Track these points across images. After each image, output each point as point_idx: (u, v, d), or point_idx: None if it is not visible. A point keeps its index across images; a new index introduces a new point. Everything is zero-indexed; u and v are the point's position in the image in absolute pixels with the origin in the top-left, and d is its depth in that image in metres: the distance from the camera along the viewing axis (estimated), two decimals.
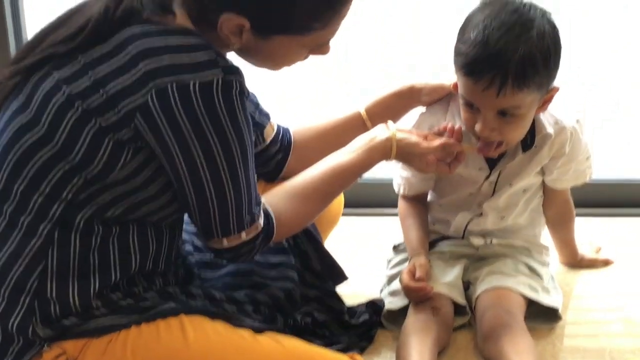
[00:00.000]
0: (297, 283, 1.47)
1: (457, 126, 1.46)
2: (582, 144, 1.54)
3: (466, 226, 1.62)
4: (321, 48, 1.31)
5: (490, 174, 1.54)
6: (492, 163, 1.54)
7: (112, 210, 1.22)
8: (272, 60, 1.31)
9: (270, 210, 1.32)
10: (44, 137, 1.20)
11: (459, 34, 1.41)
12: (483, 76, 1.34)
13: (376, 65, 2.95)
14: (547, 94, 1.42)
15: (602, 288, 1.73)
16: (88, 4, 1.25)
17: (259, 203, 1.29)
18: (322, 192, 1.39)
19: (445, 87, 1.54)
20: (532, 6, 1.39)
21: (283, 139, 1.57)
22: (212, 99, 1.17)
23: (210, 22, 1.23)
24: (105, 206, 1.21)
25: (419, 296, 1.51)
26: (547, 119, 1.50)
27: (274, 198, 1.35)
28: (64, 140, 1.19)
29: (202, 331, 1.24)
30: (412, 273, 1.53)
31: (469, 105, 1.41)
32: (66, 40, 1.22)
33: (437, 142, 1.45)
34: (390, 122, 1.45)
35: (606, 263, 1.81)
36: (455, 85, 1.46)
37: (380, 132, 1.43)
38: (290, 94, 2.70)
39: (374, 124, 1.54)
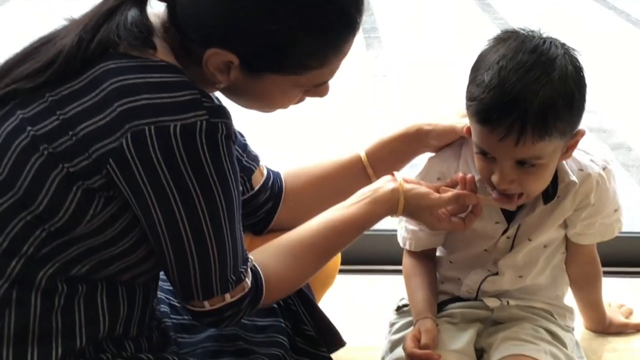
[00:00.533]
0: (287, 350, 1.39)
1: (469, 175, 1.40)
2: (609, 194, 1.48)
3: (480, 286, 1.54)
4: (318, 89, 1.26)
5: (508, 228, 1.48)
6: (509, 216, 1.47)
7: (78, 267, 1.16)
8: (262, 101, 1.26)
9: (259, 269, 1.27)
10: (3, 183, 1.14)
11: (471, 75, 1.34)
12: (499, 125, 1.28)
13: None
14: (571, 139, 1.35)
15: (634, 357, 1.67)
16: (59, 34, 1.20)
17: (246, 261, 1.24)
18: (319, 249, 1.34)
19: (457, 131, 1.47)
20: (552, 43, 1.32)
21: (273, 186, 1.52)
22: (194, 144, 1.11)
23: (194, 58, 1.18)
24: (71, 262, 1.15)
25: None
26: (571, 165, 1.44)
27: (264, 255, 1.30)
28: (26, 187, 1.13)
29: None
30: (417, 339, 1.45)
31: (484, 154, 1.35)
32: (33, 74, 1.17)
33: (450, 193, 1.39)
34: (396, 173, 1.40)
35: (638, 328, 1.75)
36: (468, 130, 1.40)
37: (385, 183, 1.39)
38: (282, 130, 2.70)
39: (375, 170, 1.50)
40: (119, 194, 1.13)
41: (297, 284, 1.36)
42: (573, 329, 1.60)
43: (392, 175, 1.40)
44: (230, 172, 1.16)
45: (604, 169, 1.46)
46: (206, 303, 1.20)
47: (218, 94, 1.26)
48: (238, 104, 1.27)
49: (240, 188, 1.24)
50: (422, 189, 1.40)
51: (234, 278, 1.20)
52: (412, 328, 1.51)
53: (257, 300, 1.26)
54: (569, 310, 1.60)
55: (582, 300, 1.67)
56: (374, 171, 1.50)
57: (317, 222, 1.35)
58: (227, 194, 1.16)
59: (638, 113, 3.70)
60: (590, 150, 1.46)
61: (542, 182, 1.38)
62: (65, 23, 1.22)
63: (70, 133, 1.12)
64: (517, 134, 1.27)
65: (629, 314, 1.78)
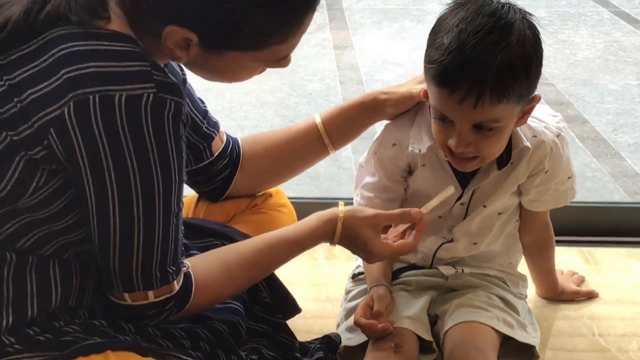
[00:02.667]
0: (242, 316, 1.40)
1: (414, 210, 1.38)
2: (563, 160, 1.50)
3: (435, 253, 1.57)
4: (280, 62, 1.24)
5: (462, 194, 1.49)
6: (464, 182, 1.49)
7: (24, 240, 1.15)
8: (224, 75, 1.25)
9: (192, 275, 1.24)
10: None
11: (430, 38, 1.35)
12: (459, 87, 1.29)
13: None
14: (527, 104, 1.37)
15: (585, 324, 1.69)
16: (8, 2, 1.16)
17: (178, 262, 1.21)
18: (257, 267, 1.34)
19: (414, 96, 1.48)
20: (511, 7, 1.34)
21: (232, 152, 1.52)
22: (138, 116, 1.08)
23: (152, 30, 1.15)
24: (16, 235, 1.14)
25: (374, 333, 1.44)
26: (525, 132, 1.46)
27: (203, 264, 1.27)
28: None
29: None
30: (370, 306, 1.47)
31: (442, 118, 1.36)
32: None
33: (394, 210, 1.39)
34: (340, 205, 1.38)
35: (590, 296, 1.78)
36: (425, 93, 1.41)
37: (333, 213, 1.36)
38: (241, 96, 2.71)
39: (331, 138, 1.52)
40: (63, 168, 1.11)
41: (224, 297, 1.34)
42: (526, 297, 1.63)
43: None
44: (174, 154, 1.12)
45: (557, 136, 1.47)
46: (126, 296, 1.18)
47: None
48: (201, 77, 1.26)
49: (184, 178, 1.20)
50: (362, 207, 1.38)
51: (159, 275, 1.17)
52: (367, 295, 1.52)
53: (183, 305, 1.23)
54: (522, 278, 1.63)
55: (535, 268, 1.69)
56: (329, 139, 1.52)
57: (262, 240, 1.34)
58: (166, 177, 1.12)
59: (593, 86, 3.76)
60: (545, 119, 1.48)
61: (497, 146, 1.38)
62: None
63: (16, 100, 1.09)
64: (475, 96, 1.28)
65: (581, 281, 1.80)
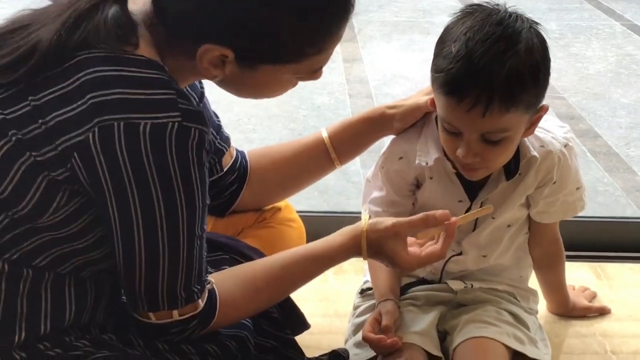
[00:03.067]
0: (251, 331, 1.39)
1: (453, 219, 1.37)
2: (571, 171, 1.50)
3: (444, 267, 1.56)
4: (314, 74, 1.25)
5: (470, 206, 1.50)
6: (472, 194, 1.49)
7: (41, 258, 1.15)
8: (258, 91, 1.26)
9: (217, 291, 1.25)
10: None
11: (437, 47, 1.36)
12: (467, 95, 1.30)
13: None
14: (535, 114, 1.38)
15: (597, 341, 1.68)
16: (31, 24, 1.17)
17: (202, 280, 1.21)
18: (284, 283, 1.34)
19: (421, 107, 1.49)
20: (518, 17, 1.34)
21: (240, 167, 1.52)
22: (162, 146, 1.09)
23: (183, 52, 1.16)
24: (34, 252, 1.15)
25: (383, 348, 1.44)
26: (532, 142, 1.46)
27: (228, 280, 1.28)
28: None
29: None
30: (378, 322, 1.46)
31: (450, 129, 1.36)
32: (4, 68, 1.13)
33: (415, 216, 1.36)
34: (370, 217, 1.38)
35: (601, 312, 1.77)
36: (432, 102, 1.41)
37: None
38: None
39: (338, 152, 1.52)
40: (84, 190, 1.12)
41: (252, 313, 1.34)
42: (537, 312, 1.62)
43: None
44: (198, 182, 1.13)
45: (565, 146, 1.47)
46: (151, 315, 1.19)
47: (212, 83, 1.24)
48: (233, 94, 1.26)
49: (208, 201, 1.21)
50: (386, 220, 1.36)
51: (183, 295, 1.18)
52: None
53: (207, 322, 1.24)
54: (533, 293, 1.62)
55: (545, 282, 1.68)
56: (336, 153, 1.52)
57: (288, 256, 1.33)
58: (190, 204, 1.13)
59: (605, 99, 3.76)
60: (552, 129, 1.48)
61: (505, 156, 1.39)
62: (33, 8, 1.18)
63: (41, 121, 1.10)
64: (484, 105, 1.29)
65: (592, 297, 1.79)
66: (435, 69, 1.34)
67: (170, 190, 1.11)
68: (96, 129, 1.08)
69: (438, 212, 1.35)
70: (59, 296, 1.17)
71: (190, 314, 1.20)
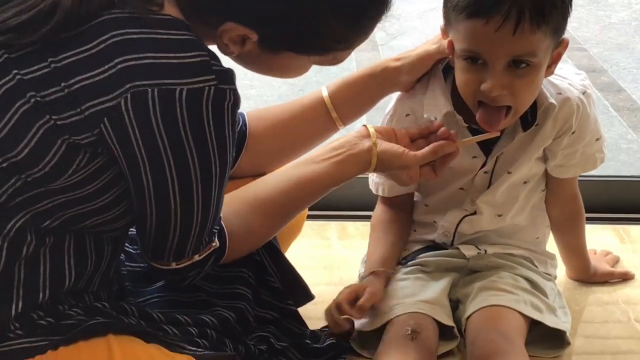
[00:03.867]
0: (250, 301, 1.40)
1: (452, 132, 1.41)
2: (590, 120, 1.50)
3: (456, 228, 1.56)
4: (333, 62, 1.27)
5: (486, 161, 1.50)
6: (487, 149, 1.49)
7: (51, 220, 1.16)
8: (273, 72, 1.29)
9: (224, 225, 1.29)
10: None
11: None
12: (496, 12, 1.29)
13: None
14: (557, 47, 1.37)
15: (620, 309, 1.67)
16: None
17: (219, 220, 1.27)
18: (285, 207, 1.38)
19: (432, 55, 1.47)
20: None
21: (240, 131, 1.51)
22: (199, 111, 1.11)
23: (207, 22, 1.17)
24: (45, 214, 1.15)
25: (339, 328, 1.46)
26: (549, 90, 1.45)
27: (229, 209, 1.31)
28: (6, 133, 1.11)
29: (133, 356, 1.18)
30: (357, 295, 1.45)
31: (473, 60, 1.35)
32: (23, 28, 1.12)
33: (425, 150, 1.40)
34: (369, 127, 1.41)
35: (625, 277, 1.76)
36: (450, 44, 1.39)
37: (359, 141, 1.40)
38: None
39: (340, 113, 1.51)
40: (107, 152, 1.13)
41: (260, 241, 1.39)
42: (555, 278, 1.63)
43: (366, 129, 1.41)
44: (231, 139, 1.17)
45: (583, 93, 1.47)
46: (173, 263, 1.24)
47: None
48: (244, 67, 1.26)
49: (234, 154, 1.25)
50: (397, 148, 1.39)
51: (206, 240, 1.24)
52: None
53: (220, 257, 1.29)
54: (550, 257, 1.63)
55: (564, 245, 1.68)
56: (338, 115, 1.51)
57: (285, 178, 1.37)
58: (223, 163, 1.17)
59: (629, 50, 3.72)
60: (568, 76, 1.49)
61: (532, 92, 1.38)
62: None
63: (63, 84, 1.10)
64: (515, 21, 1.28)
65: (615, 262, 1.79)
66: None
67: (206, 152, 1.15)
68: (128, 95, 1.09)
69: (445, 142, 1.39)
70: (58, 260, 1.18)
71: (207, 253, 1.26)
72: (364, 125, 1.42)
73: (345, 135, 1.42)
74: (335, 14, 1.18)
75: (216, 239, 1.26)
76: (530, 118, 1.45)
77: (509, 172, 1.51)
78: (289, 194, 1.37)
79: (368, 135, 1.40)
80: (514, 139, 1.47)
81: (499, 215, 1.55)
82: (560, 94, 1.46)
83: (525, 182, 1.54)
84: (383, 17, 1.23)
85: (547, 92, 1.44)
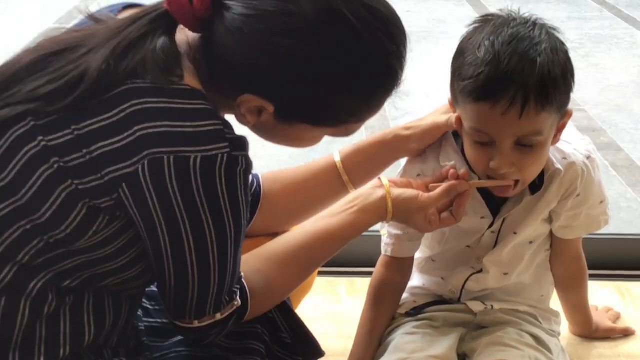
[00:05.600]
0: (264, 357, 1.40)
1: (462, 170, 1.42)
2: (594, 183, 1.51)
3: (464, 285, 1.57)
4: (345, 133, 1.28)
5: (493, 222, 1.50)
6: (495, 210, 1.50)
7: (72, 279, 1.17)
8: (288, 142, 1.29)
9: (245, 283, 1.29)
10: (6, 189, 1.14)
11: (457, 60, 1.37)
12: (501, 98, 1.30)
13: None
14: (561, 119, 1.39)
15: None
16: (78, 46, 1.18)
17: (239, 279, 1.27)
18: (304, 261, 1.38)
19: (440, 127, 1.49)
20: (533, 20, 1.37)
21: (254, 193, 1.53)
22: (213, 177, 1.13)
23: (221, 90, 1.19)
24: (66, 274, 1.17)
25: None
26: (555, 155, 1.47)
27: (250, 267, 1.32)
28: (31, 196, 1.13)
29: None
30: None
31: (481, 140, 1.37)
32: (51, 97, 1.14)
33: (439, 189, 1.42)
34: (382, 177, 1.43)
35: (626, 333, 1.78)
36: (458, 120, 1.41)
37: (373, 190, 1.42)
38: None
39: (351, 177, 1.53)
40: (125, 214, 1.15)
41: (281, 297, 1.39)
42: (559, 334, 1.62)
43: (379, 180, 1.42)
44: (244, 203, 1.18)
45: (587, 158, 1.48)
46: (195, 322, 1.24)
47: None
48: (261, 137, 1.28)
49: (248, 215, 1.26)
50: (411, 192, 1.42)
51: (227, 299, 1.24)
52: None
53: (243, 315, 1.29)
54: (555, 314, 1.63)
55: (568, 302, 1.69)
56: (349, 178, 1.52)
57: (302, 233, 1.38)
58: (237, 224, 1.18)
59: (627, 112, 3.75)
60: (573, 141, 1.49)
61: (538, 164, 1.40)
62: (77, 22, 1.20)
63: (85, 151, 1.12)
64: (521, 105, 1.29)
65: (616, 318, 1.80)
66: (462, 77, 1.34)
67: (220, 216, 1.16)
68: (146, 162, 1.11)
69: (457, 181, 1.41)
70: (78, 318, 1.19)
71: (229, 312, 1.26)
72: (378, 178, 1.44)
73: (361, 188, 1.45)
74: (350, 91, 1.20)
75: (238, 298, 1.26)
76: (538, 182, 1.46)
77: (515, 233, 1.51)
78: (308, 248, 1.37)
79: (380, 185, 1.42)
80: (522, 202, 1.48)
81: (505, 274, 1.56)
82: (566, 158, 1.46)
83: (530, 242, 1.54)
84: (393, 92, 1.25)
85: (554, 157, 1.45)
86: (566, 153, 1.47)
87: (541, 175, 1.45)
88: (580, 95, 3.79)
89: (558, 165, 1.45)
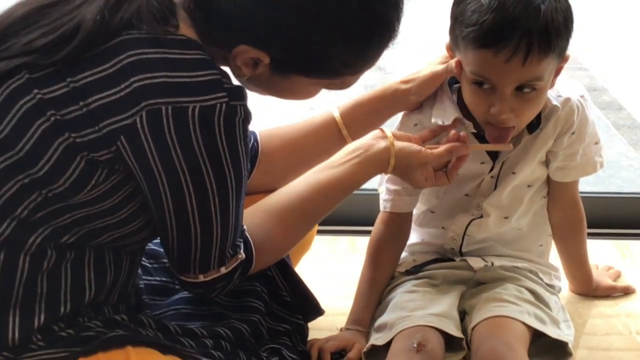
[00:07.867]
0: (263, 315, 1.42)
1: (462, 133, 1.44)
2: (589, 122, 1.53)
3: (465, 230, 1.58)
4: (342, 87, 1.30)
5: (493, 166, 1.52)
6: (493, 154, 1.52)
7: (71, 234, 1.18)
8: (283, 94, 1.30)
9: (249, 237, 1.31)
10: (2, 142, 1.14)
11: (458, 6, 1.38)
12: (505, 45, 1.32)
13: None
14: (560, 63, 1.41)
15: (622, 322, 1.68)
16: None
17: (242, 232, 1.28)
18: (307, 213, 1.39)
19: (440, 76, 1.50)
20: None
21: (252, 149, 1.53)
22: (212, 127, 1.14)
23: (217, 41, 1.19)
24: (65, 229, 1.17)
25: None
26: (550, 93, 1.48)
27: (251, 221, 1.33)
28: (28, 150, 1.13)
29: None
30: (339, 349, 1.48)
31: (481, 85, 1.38)
32: (47, 49, 1.14)
33: (442, 148, 1.43)
34: (386, 129, 1.43)
35: (626, 292, 1.77)
36: (459, 64, 1.42)
37: (376, 141, 1.42)
38: None
39: (350, 132, 1.53)
40: (124, 168, 1.15)
41: (285, 250, 1.41)
42: (559, 290, 1.63)
43: (382, 131, 1.43)
44: (243, 153, 1.19)
45: (581, 96, 1.50)
46: (201, 276, 1.26)
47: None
48: (255, 92, 1.28)
49: (249, 165, 1.27)
50: (414, 147, 1.43)
51: (231, 252, 1.25)
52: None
53: (248, 269, 1.31)
54: (554, 269, 1.64)
55: (566, 255, 1.69)
56: (349, 132, 1.53)
57: (305, 185, 1.39)
58: (237, 175, 1.19)
59: (628, 71, 3.74)
60: (565, 82, 1.50)
61: (535, 109, 1.42)
62: None
63: (81, 103, 1.12)
64: (524, 53, 1.32)
65: (617, 276, 1.80)
66: (466, 24, 1.35)
67: (220, 166, 1.17)
68: (144, 113, 1.11)
69: (459, 144, 1.42)
70: (79, 274, 1.20)
71: (233, 266, 1.27)
72: (380, 129, 1.44)
73: (361, 139, 1.44)
74: (345, 41, 1.20)
75: (242, 251, 1.28)
76: (536, 121, 1.48)
77: (513, 173, 1.53)
78: (310, 199, 1.38)
79: (384, 137, 1.42)
80: (520, 143, 1.50)
81: (505, 217, 1.57)
82: (561, 96, 1.48)
83: (529, 186, 1.56)
84: (389, 44, 1.25)
85: (549, 96, 1.47)
86: (561, 90, 1.49)
87: (538, 115, 1.47)
88: (582, 53, 3.77)
89: (555, 102, 1.48)
